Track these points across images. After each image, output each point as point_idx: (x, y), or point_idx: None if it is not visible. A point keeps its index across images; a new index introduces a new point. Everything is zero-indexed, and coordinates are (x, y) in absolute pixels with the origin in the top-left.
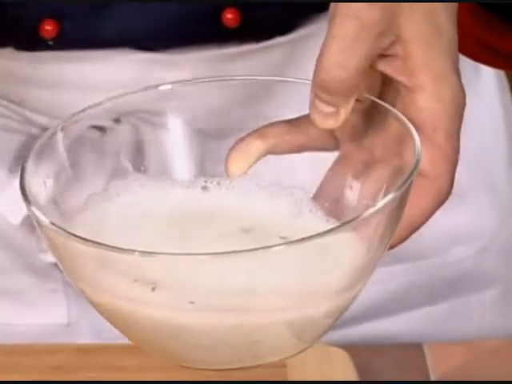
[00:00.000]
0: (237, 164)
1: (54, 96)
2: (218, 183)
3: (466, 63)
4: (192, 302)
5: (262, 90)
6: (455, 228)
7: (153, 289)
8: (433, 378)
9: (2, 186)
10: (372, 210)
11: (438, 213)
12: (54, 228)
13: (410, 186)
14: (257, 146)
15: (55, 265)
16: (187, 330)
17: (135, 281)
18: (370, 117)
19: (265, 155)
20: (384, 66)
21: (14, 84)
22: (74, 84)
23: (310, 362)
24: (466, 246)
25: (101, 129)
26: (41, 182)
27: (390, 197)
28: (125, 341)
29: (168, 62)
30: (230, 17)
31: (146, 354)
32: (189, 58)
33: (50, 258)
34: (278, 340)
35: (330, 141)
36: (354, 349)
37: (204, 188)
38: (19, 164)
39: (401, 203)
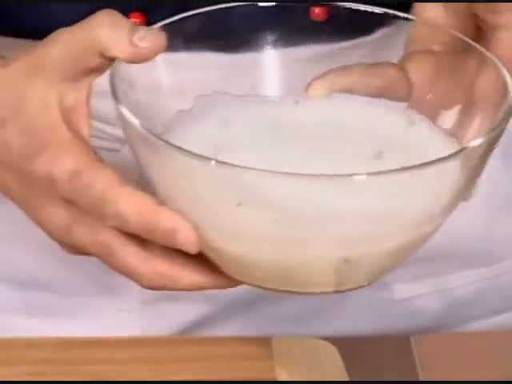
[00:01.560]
0: (318, 88)
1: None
2: (309, 99)
3: None
4: (276, 221)
5: None
6: None
7: (238, 204)
8: (420, 370)
9: None
10: (473, 143)
11: (507, 216)
12: (144, 132)
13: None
14: (339, 78)
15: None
16: (266, 248)
17: (220, 194)
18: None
19: (342, 91)
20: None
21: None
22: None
23: (297, 354)
24: None
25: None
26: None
27: (489, 134)
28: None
29: (249, 64)
30: (317, 11)
31: None
32: (273, 57)
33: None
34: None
35: (405, 85)
36: (341, 341)
37: (296, 102)
38: None
39: (490, 147)
